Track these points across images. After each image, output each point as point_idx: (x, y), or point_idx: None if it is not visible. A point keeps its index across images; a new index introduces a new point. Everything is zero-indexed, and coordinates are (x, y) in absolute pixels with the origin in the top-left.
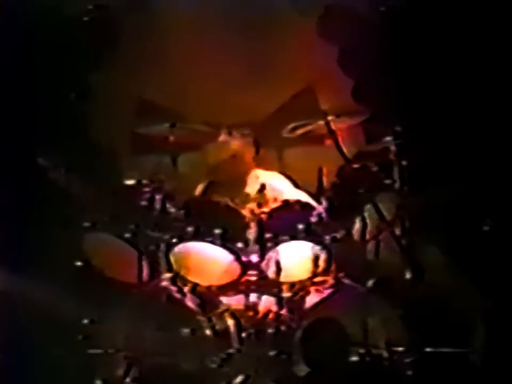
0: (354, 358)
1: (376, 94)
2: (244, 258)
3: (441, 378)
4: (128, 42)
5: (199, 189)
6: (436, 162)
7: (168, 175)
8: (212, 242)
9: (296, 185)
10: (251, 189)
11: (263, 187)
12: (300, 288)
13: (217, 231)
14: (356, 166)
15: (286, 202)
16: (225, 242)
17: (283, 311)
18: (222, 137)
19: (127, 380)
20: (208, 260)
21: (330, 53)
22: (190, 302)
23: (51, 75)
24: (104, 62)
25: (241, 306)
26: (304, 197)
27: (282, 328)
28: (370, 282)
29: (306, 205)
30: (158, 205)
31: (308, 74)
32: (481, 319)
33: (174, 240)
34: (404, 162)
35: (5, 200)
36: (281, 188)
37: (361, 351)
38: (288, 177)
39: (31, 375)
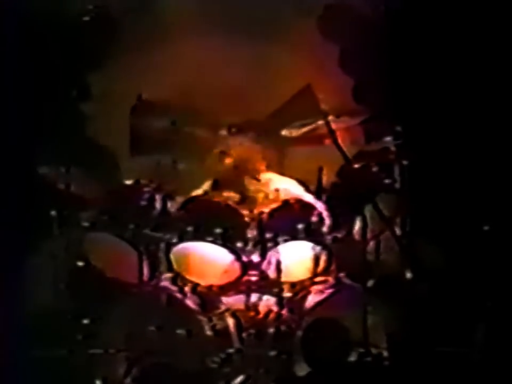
0: (355, 358)
1: (377, 93)
2: (244, 258)
3: (441, 378)
4: (129, 42)
5: (204, 187)
6: (437, 162)
7: (168, 175)
8: (212, 242)
9: (309, 190)
10: (263, 192)
11: (277, 191)
12: (301, 288)
13: (217, 230)
14: (356, 165)
15: (286, 202)
16: (226, 242)
17: (284, 311)
18: (223, 137)
19: (128, 380)
20: (208, 259)
21: (330, 52)
22: (190, 302)
23: (51, 75)
24: (104, 62)
25: (241, 306)
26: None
27: (283, 328)
28: (370, 282)
29: (307, 204)
30: (158, 205)
31: (308, 74)
32: (481, 319)
33: (174, 240)
34: (404, 162)
35: (4, 200)
36: (296, 192)
37: (362, 350)
38: (301, 181)
39: (31, 375)
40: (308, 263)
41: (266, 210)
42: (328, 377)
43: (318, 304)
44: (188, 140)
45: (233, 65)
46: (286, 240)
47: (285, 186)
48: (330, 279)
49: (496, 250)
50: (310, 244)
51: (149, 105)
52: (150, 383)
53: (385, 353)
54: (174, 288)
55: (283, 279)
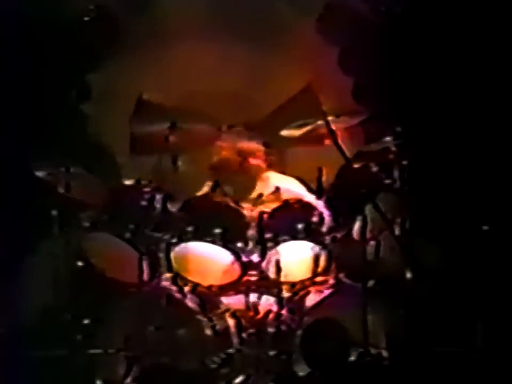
0: (354, 358)
1: (376, 94)
2: (244, 258)
3: (441, 378)
4: (129, 42)
5: (204, 188)
6: (436, 162)
7: (168, 175)
8: (212, 242)
9: (310, 189)
10: (263, 190)
11: (277, 189)
12: (300, 288)
13: (217, 231)
14: (356, 166)
15: (286, 202)
16: (226, 242)
17: (283, 311)
18: (223, 136)
19: (128, 380)
20: (208, 259)
21: (330, 52)
22: (190, 302)
23: (51, 75)
24: (104, 62)
25: (241, 306)
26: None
27: (283, 328)
28: (370, 282)
29: (307, 204)
30: (158, 205)
31: (308, 74)
32: (481, 319)
33: (174, 240)
34: (404, 162)
35: (5, 200)
36: (297, 190)
37: (361, 351)
38: (301, 180)
39: (31, 375)
40: (307, 263)
41: (267, 210)
42: (328, 377)
43: (317, 304)
44: (188, 140)
45: (233, 66)
46: (285, 240)
47: (286, 185)
48: (330, 279)
49: (496, 250)
50: (310, 244)
51: (149, 106)
52: (150, 383)
53: (385, 353)
54: (174, 288)
55: (283, 279)
